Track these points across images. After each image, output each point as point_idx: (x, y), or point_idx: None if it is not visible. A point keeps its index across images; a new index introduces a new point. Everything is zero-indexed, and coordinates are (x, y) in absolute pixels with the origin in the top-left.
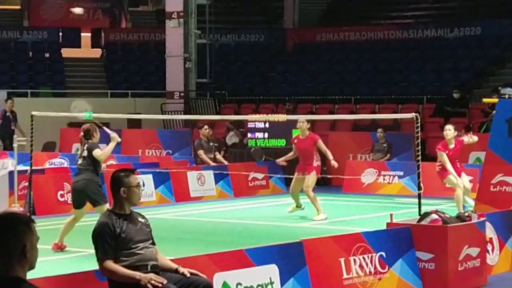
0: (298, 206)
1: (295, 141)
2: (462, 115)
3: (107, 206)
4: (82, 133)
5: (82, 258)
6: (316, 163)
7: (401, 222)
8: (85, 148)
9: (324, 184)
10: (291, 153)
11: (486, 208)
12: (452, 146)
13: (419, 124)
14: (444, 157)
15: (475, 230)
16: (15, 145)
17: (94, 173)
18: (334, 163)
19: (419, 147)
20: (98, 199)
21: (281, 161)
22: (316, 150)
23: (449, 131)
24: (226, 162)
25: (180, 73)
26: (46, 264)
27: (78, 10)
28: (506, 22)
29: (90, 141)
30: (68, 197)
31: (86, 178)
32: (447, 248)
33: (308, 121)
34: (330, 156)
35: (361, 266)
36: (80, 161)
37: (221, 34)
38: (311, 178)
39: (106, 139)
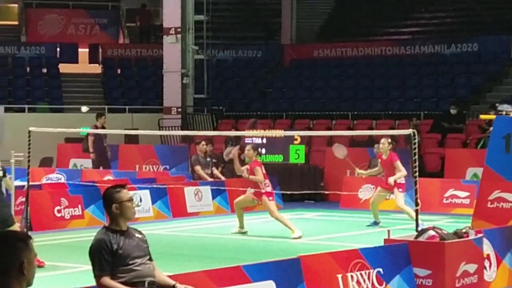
0: (241, 227)
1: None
2: (459, 131)
3: (16, 226)
4: None
5: (79, 274)
6: (267, 188)
7: (398, 238)
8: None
9: (321, 200)
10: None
11: (484, 225)
12: (385, 157)
13: (416, 140)
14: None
15: (473, 247)
16: (12, 160)
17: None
18: None
19: (417, 163)
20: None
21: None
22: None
23: (382, 144)
24: (223, 178)
25: (177, 88)
26: (43, 280)
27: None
28: (503, 38)
29: None
30: (66, 213)
31: None
32: (444, 264)
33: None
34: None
35: (358, 282)
36: None
37: (218, 50)
38: (270, 203)
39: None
